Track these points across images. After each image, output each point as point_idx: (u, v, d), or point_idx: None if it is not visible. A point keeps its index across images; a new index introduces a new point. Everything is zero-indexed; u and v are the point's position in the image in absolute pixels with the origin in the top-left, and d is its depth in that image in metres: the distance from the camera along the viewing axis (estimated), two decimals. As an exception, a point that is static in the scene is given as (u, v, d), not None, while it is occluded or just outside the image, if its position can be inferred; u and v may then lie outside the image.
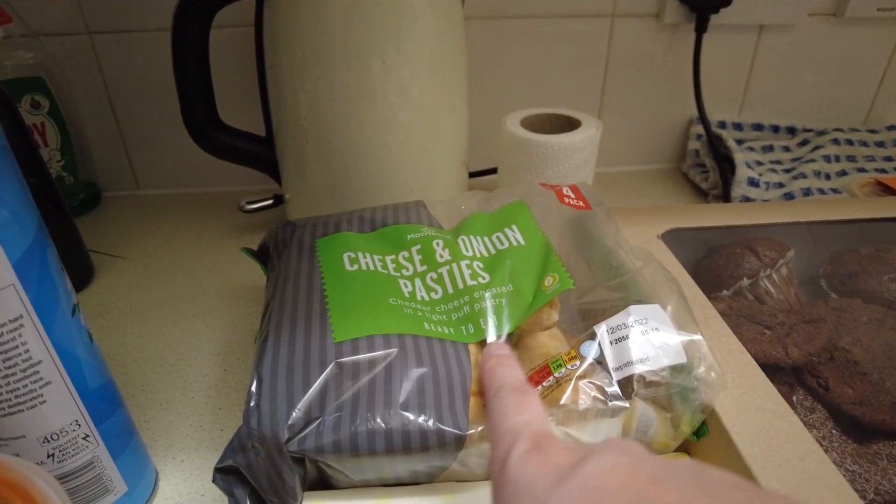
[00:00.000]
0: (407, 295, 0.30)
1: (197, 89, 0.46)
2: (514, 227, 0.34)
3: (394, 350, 0.26)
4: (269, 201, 0.51)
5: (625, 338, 0.26)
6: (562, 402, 0.25)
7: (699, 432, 0.27)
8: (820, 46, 0.63)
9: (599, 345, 0.26)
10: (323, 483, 0.27)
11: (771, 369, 0.30)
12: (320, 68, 0.41)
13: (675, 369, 0.26)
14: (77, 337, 0.26)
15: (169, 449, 0.35)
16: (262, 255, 0.38)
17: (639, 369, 0.25)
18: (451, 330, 0.29)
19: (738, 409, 0.27)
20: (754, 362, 0.29)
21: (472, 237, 0.33)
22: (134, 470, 0.31)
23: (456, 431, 0.24)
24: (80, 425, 0.27)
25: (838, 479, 0.24)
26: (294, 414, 0.24)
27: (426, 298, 0.30)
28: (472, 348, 0.29)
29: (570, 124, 0.49)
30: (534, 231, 0.34)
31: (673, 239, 0.40)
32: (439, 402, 0.25)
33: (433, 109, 0.45)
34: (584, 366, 0.25)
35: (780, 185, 0.58)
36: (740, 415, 0.26)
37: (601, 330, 0.26)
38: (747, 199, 0.56)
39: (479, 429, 0.25)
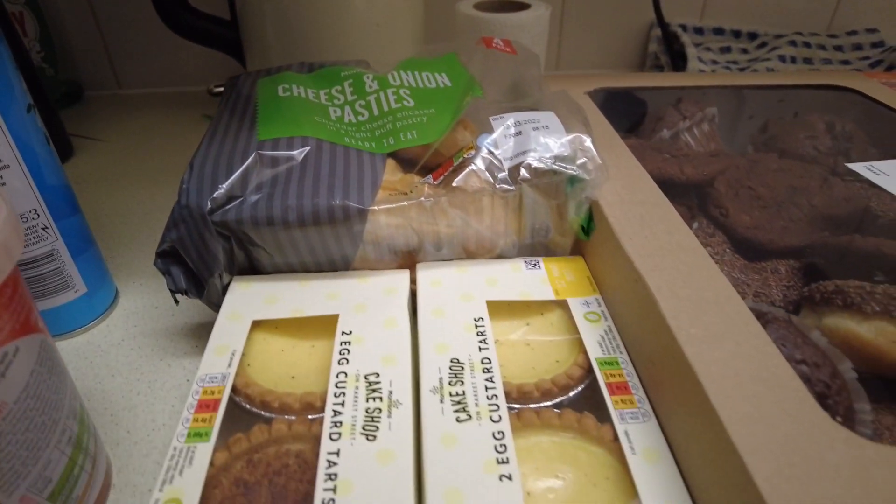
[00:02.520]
0: (334, 118, 0.33)
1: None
2: (443, 74, 0.37)
3: (309, 147, 0.30)
4: (236, 85, 0.53)
5: (518, 133, 0.29)
6: (455, 183, 0.28)
7: (588, 230, 0.30)
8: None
9: (495, 139, 0.29)
10: (252, 270, 0.30)
11: (673, 193, 0.33)
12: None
13: (560, 159, 0.28)
14: (33, 133, 0.29)
15: (131, 276, 0.39)
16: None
17: (528, 159, 0.28)
18: (374, 144, 0.32)
19: (621, 203, 0.29)
20: (646, 173, 0.32)
21: (402, 72, 0.36)
22: (93, 275, 0.34)
23: (359, 206, 0.27)
24: (38, 215, 0.30)
25: (710, 264, 0.26)
26: (218, 191, 0.28)
27: (353, 121, 0.33)
28: (391, 161, 0.32)
29: (521, 8, 0.51)
30: (461, 73, 0.36)
31: (601, 100, 0.42)
32: (347, 188, 0.28)
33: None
34: (480, 155, 0.28)
35: (733, 82, 0.60)
36: (622, 206, 0.29)
37: (499, 128, 0.29)
38: (699, 94, 0.58)
39: (385, 207, 0.28)
